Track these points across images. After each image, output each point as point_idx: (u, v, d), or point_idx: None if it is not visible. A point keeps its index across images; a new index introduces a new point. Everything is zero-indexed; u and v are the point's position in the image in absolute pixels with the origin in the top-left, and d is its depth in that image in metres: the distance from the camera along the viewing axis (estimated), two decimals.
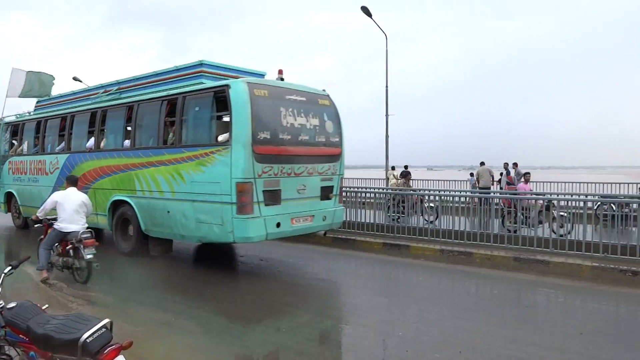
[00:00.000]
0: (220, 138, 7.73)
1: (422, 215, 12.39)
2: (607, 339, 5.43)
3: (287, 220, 8.02)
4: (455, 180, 23.27)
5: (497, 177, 19.27)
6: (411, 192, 13.44)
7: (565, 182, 20.77)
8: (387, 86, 20.77)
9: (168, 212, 8.49)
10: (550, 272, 8.49)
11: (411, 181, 17.91)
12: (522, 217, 10.25)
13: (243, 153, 7.34)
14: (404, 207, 12.26)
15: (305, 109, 8.43)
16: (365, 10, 19.37)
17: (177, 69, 9.16)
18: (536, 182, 20.59)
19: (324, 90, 9.27)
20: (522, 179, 13.40)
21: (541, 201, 11.03)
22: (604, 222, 9.30)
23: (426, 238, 10.74)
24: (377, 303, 6.93)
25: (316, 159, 8.59)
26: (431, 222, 11.83)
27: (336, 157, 9.06)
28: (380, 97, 21.18)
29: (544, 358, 4.79)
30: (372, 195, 14.17)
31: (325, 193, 8.85)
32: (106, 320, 3.17)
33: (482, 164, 19.02)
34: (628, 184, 19.25)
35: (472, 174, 20.30)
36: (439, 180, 23.99)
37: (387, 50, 20.58)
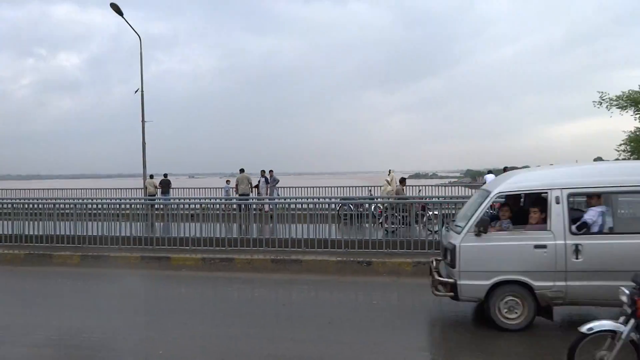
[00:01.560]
0: None
1: (424, 226, 11.02)
2: (350, 324, 6.16)
3: None
4: (217, 188, 23.43)
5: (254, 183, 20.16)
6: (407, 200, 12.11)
7: (314, 187, 22.98)
8: (142, 91, 19.74)
9: None
10: (303, 269, 9.25)
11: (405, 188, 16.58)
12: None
13: None
14: (403, 217, 10.83)
15: None
16: (116, 7, 18.01)
17: None
18: (289, 187, 22.30)
19: None
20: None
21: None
22: (344, 221, 10.60)
23: (187, 248, 10.50)
24: (136, 322, 6.40)
25: None
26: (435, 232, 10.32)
27: None
28: (136, 101, 19.97)
29: (299, 351, 5.15)
30: (129, 206, 13.18)
31: None
32: None
33: (242, 171, 19.67)
34: (362, 187, 22.51)
35: (228, 182, 20.67)
36: (200, 188, 23.86)
37: (141, 53, 19.56)
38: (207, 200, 14.45)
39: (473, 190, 25.06)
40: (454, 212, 10.34)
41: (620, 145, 20.46)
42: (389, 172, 19.84)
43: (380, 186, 20.61)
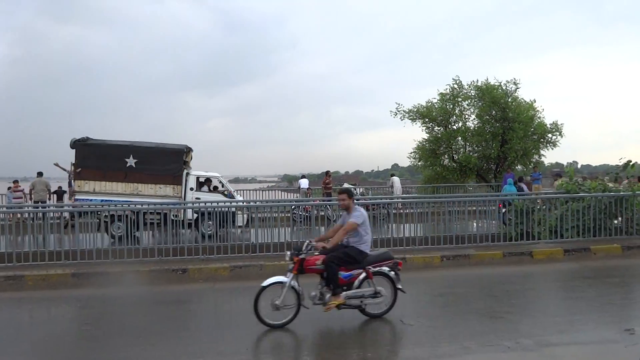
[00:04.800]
0: None
1: None
2: (163, 336, 5.85)
3: None
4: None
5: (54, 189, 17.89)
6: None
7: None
8: None
9: None
10: (111, 282, 8.47)
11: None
12: None
13: None
14: None
15: None
16: None
17: None
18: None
19: None
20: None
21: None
22: (158, 228, 10.06)
23: None
24: None
25: None
26: None
27: None
28: None
29: None
30: None
31: None
32: None
33: (40, 174, 17.21)
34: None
35: (15, 187, 17.36)
36: None
37: None
38: None
39: (290, 194, 26.28)
40: (269, 215, 10.66)
41: (411, 153, 23.43)
42: None
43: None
